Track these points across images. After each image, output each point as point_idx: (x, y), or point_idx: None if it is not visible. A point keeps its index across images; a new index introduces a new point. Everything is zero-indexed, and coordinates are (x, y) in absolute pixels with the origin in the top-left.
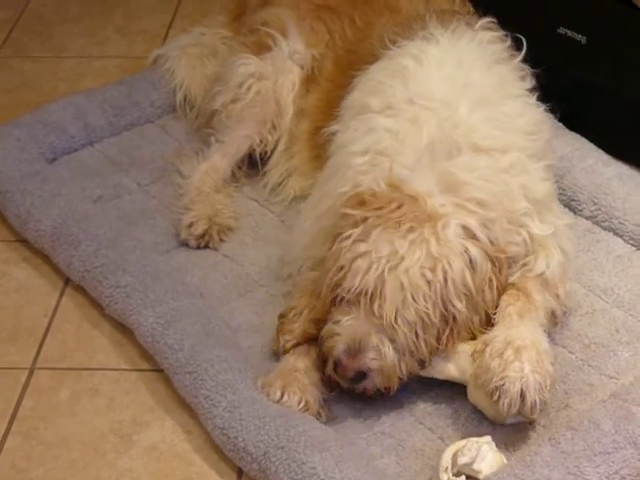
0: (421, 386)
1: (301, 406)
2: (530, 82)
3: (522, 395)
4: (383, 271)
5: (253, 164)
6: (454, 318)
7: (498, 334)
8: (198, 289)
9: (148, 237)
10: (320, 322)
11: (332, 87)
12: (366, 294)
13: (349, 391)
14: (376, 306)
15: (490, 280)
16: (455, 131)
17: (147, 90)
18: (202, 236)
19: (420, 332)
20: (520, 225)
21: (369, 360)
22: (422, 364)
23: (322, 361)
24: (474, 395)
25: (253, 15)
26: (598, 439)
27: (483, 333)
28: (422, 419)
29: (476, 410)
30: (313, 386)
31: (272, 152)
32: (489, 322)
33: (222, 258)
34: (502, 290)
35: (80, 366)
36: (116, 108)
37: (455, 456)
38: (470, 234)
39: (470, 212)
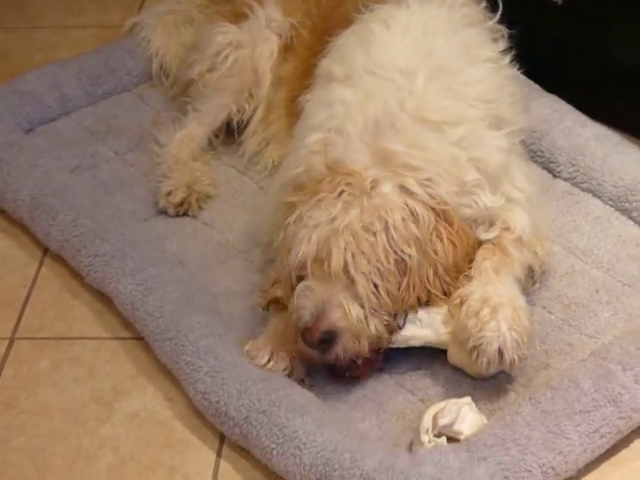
0: (400, 350)
1: (286, 372)
2: (503, 44)
3: (500, 353)
4: (323, 234)
5: (231, 132)
6: (407, 264)
7: (474, 290)
8: (177, 257)
9: (126, 206)
10: None
11: (309, 55)
12: (314, 260)
13: (322, 364)
14: (325, 266)
15: (437, 230)
16: (403, 105)
17: (123, 59)
18: (181, 204)
19: (378, 281)
20: (471, 194)
21: (335, 319)
22: (391, 327)
23: (294, 337)
24: (453, 353)
25: None
26: (578, 398)
27: (451, 287)
28: (402, 382)
29: (456, 371)
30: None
31: (249, 121)
32: (458, 275)
33: (201, 226)
34: (460, 244)
35: (60, 335)
36: (92, 77)
37: (436, 417)
38: (407, 191)
39: (404, 176)
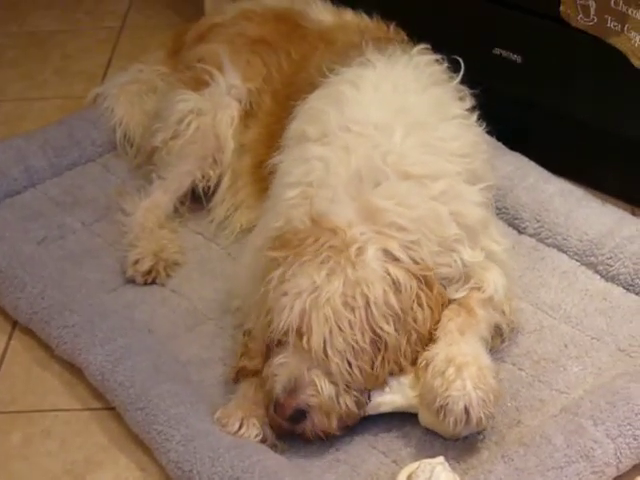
0: None
1: (258, 438)
2: (469, 102)
3: (467, 412)
4: (305, 305)
5: (196, 199)
6: (384, 341)
7: (439, 351)
8: (146, 325)
9: (94, 276)
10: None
11: (272, 121)
12: (294, 331)
13: (291, 433)
14: (305, 341)
15: (418, 298)
16: (385, 159)
17: (87, 129)
18: (148, 272)
19: (352, 360)
20: (451, 250)
21: (306, 397)
22: (360, 403)
23: (266, 405)
24: (424, 415)
25: (188, 51)
26: (550, 454)
27: (419, 353)
28: (375, 443)
29: (427, 432)
30: None
31: (216, 188)
32: (427, 341)
33: (170, 293)
34: (437, 308)
35: (31, 408)
36: (57, 149)
37: (409, 478)
38: (391, 257)
39: (390, 237)
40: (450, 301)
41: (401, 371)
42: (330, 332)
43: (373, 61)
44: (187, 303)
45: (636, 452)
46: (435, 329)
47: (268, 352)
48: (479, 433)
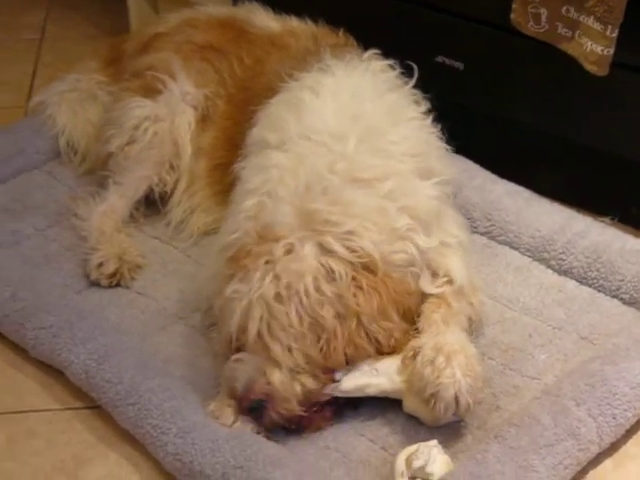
0: (356, 399)
1: (254, 431)
2: (424, 106)
3: (456, 399)
4: (243, 307)
5: (151, 204)
6: (322, 325)
7: (427, 341)
8: (119, 326)
9: (57, 280)
10: None
11: (228, 124)
12: (240, 332)
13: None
14: (246, 336)
15: (357, 281)
16: (333, 168)
17: (31, 137)
18: (113, 275)
19: (293, 344)
20: (404, 238)
21: (260, 386)
22: (320, 380)
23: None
24: (409, 401)
25: (133, 60)
26: (541, 433)
27: (378, 340)
28: (362, 431)
29: (410, 419)
30: None
31: (172, 192)
32: (385, 323)
33: (136, 295)
34: (384, 290)
35: (11, 409)
36: (1, 156)
37: (409, 460)
38: (325, 250)
39: (324, 232)
40: (427, 296)
41: (361, 351)
42: (267, 325)
43: (332, 67)
44: (155, 304)
45: (615, 430)
46: (418, 317)
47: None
48: (461, 420)
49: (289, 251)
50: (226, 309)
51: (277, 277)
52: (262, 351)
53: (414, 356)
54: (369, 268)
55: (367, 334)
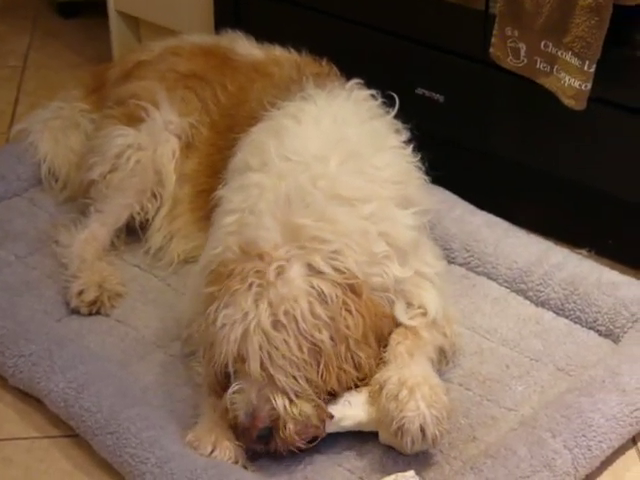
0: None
1: (231, 461)
2: (405, 135)
3: (422, 431)
4: (238, 334)
5: (131, 231)
6: (321, 349)
7: (391, 375)
8: (99, 354)
9: (37, 307)
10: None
11: (212, 151)
12: (237, 360)
13: (266, 452)
14: (246, 366)
15: (346, 305)
16: (315, 183)
17: (12, 164)
18: (94, 303)
19: (296, 372)
20: (380, 264)
21: (266, 414)
22: (320, 409)
23: (236, 434)
24: (383, 435)
25: (116, 88)
26: (517, 464)
27: (359, 367)
28: (340, 461)
29: (388, 449)
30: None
31: (154, 219)
32: (366, 347)
33: (115, 323)
34: (368, 314)
35: None
36: None
37: None
38: (315, 270)
39: (313, 250)
40: (398, 325)
41: (347, 376)
42: (268, 353)
43: (314, 96)
44: (134, 332)
45: (590, 462)
46: (384, 351)
47: (220, 383)
48: (438, 449)
49: (279, 274)
50: (216, 336)
51: (271, 303)
52: (264, 379)
53: (380, 390)
54: (355, 290)
55: (352, 359)
